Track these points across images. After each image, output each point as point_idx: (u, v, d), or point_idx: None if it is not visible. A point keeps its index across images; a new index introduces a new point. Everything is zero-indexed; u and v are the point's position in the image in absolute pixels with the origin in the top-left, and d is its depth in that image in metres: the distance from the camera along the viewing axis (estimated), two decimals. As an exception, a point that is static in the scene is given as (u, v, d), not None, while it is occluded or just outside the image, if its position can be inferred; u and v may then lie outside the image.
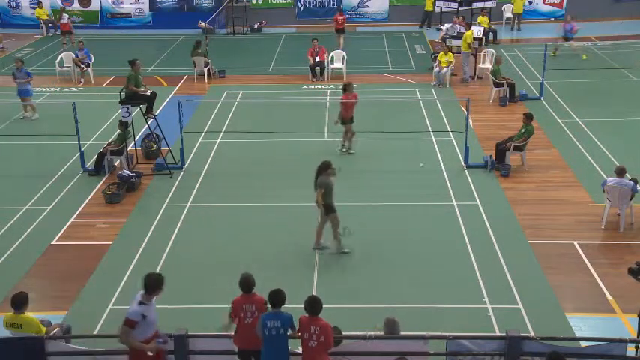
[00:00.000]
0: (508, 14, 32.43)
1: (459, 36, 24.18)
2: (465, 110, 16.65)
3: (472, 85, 23.01)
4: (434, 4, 31.42)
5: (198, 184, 15.44)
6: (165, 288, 7.89)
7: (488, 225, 13.29)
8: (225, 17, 33.01)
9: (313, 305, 7.91)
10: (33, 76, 20.61)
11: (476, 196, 14.57)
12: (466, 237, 12.83)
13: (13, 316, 9.03)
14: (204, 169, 16.23)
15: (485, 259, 12.03)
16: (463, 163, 16.08)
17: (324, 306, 7.96)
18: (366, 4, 33.90)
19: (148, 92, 16.36)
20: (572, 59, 25.29)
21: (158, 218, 13.87)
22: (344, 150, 16.95)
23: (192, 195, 14.91)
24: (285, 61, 27.05)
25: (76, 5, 33.45)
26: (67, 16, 30.44)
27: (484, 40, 24.31)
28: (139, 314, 7.66)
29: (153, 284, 7.78)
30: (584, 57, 25.35)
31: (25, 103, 19.87)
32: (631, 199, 13.01)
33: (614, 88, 22.25)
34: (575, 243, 12.58)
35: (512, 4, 31.66)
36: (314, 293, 9.59)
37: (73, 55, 24.43)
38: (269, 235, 13.12)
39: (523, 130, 15.95)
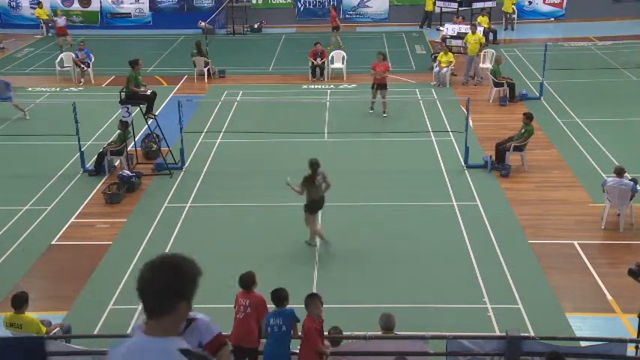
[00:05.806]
0: (509, 14, 32.40)
1: (460, 36, 24.12)
2: (465, 110, 16.65)
3: (472, 85, 22.98)
4: (434, 4, 31.43)
5: (198, 184, 15.44)
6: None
7: (488, 225, 13.29)
8: (225, 17, 33.00)
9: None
10: None
11: (476, 196, 14.56)
12: (466, 237, 12.83)
13: (13, 316, 9.05)
14: (204, 169, 16.23)
15: (485, 259, 12.03)
16: (463, 163, 16.07)
17: (324, 306, 7.97)
18: (366, 4, 33.86)
19: (148, 92, 16.37)
20: (572, 59, 25.29)
21: (158, 218, 13.87)
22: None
23: (192, 195, 14.91)
24: (285, 61, 27.02)
25: (76, 5, 33.42)
26: (64, 18, 28.92)
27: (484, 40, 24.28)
28: None
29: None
30: None
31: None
32: (631, 199, 13.00)
33: (614, 88, 22.24)
34: (575, 243, 12.58)
35: (503, 2, 31.50)
36: (314, 292, 9.59)
37: (73, 55, 24.42)
38: (269, 235, 13.12)
39: (523, 130, 15.94)
